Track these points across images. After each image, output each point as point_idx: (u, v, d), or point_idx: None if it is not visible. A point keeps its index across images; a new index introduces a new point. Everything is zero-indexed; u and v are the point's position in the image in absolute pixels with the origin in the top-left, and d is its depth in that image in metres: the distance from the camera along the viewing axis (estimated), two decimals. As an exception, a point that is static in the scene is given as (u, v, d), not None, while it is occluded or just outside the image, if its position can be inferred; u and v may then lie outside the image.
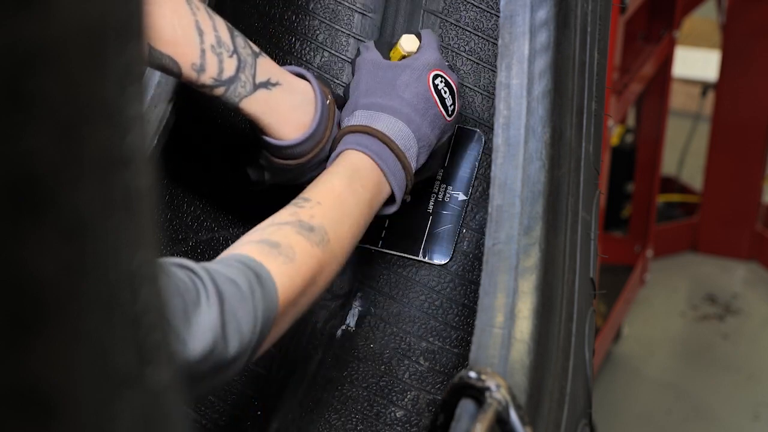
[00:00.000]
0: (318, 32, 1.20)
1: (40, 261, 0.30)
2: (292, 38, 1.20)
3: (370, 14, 1.19)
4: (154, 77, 1.08)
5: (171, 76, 0.97)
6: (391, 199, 0.97)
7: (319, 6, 1.20)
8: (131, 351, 0.34)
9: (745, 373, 2.48)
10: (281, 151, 1.01)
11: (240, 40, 0.97)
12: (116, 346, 0.33)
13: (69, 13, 0.30)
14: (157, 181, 0.35)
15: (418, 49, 1.03)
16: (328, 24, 1.19)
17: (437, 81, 1.00)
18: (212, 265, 0.75)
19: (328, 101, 1.02)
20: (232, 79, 0.96)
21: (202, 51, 0.94)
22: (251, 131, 1.02)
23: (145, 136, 0.34)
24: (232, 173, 1.18)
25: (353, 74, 1.04)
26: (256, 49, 0.98)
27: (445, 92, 1.00)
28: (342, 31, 1.19)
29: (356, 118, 0.98)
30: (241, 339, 0.73)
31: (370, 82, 1.00)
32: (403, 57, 1.04)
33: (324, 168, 1.05)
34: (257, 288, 0.76)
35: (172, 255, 1.12)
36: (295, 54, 1.20)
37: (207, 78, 0.95)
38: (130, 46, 0.33)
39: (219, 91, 0.96)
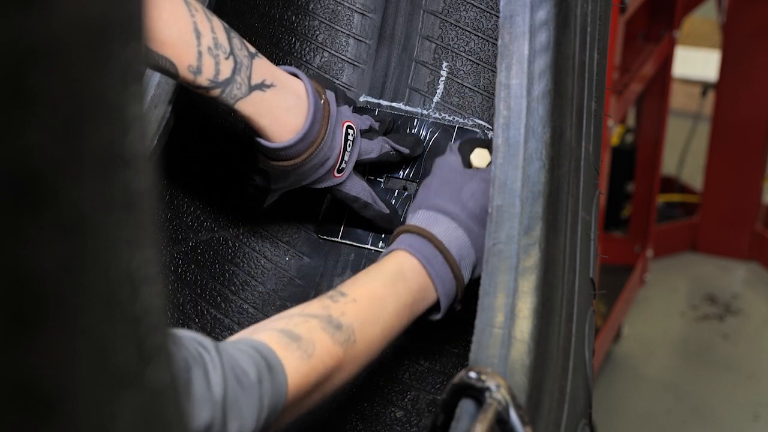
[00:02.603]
0: (318, 32, 1.20)
1: (40, 257, 0.30)
2: (292, 38, 1.20)
3: (370, 14, 1.19)
4: (154, 78, 1.08)
5: (167, 77, 0.97)
6: (436, 306, 0.95)
7: (319, 6, 1.20)
8: (131, 350, 0.34)
9: (745, 373, 2.48)
10: (276, 153, 1.01)
11: (237, 41, 0.97)
12: (116, 344, 0.33)
13: (70, 11, 0.30)
14: (157, 181, 0.35)
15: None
16: (328, 24, 1.19)
17: None
18: (226, 346, 0.73)
19: (322, 101, 1.02)
20: (228, 81, 0.96)
21: (199, 53, 0.94)
22: (248, 138, 1.03)
23: (146, 136, 0.34)
24: (232, 174, 1.18)
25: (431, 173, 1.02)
26: (252, 50, 0.98)
27: None
28: (342, 31, 1.19)
29: (417, 217, 0.96)
30: (241, 425, 0.71)
31: (440, 185, 0.98)
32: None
33: (328, 170, 1.05)
34: (266, 377, 0.74)
35: (172, 255, 1.12)
36: (295, 54, 1.20)
37: (203, 80, 0.95)
38: (131, 46, 0.33)
39: (215, 92, 0.96)
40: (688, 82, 3.58)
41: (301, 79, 1.02)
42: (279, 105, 0.99)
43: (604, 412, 2.29)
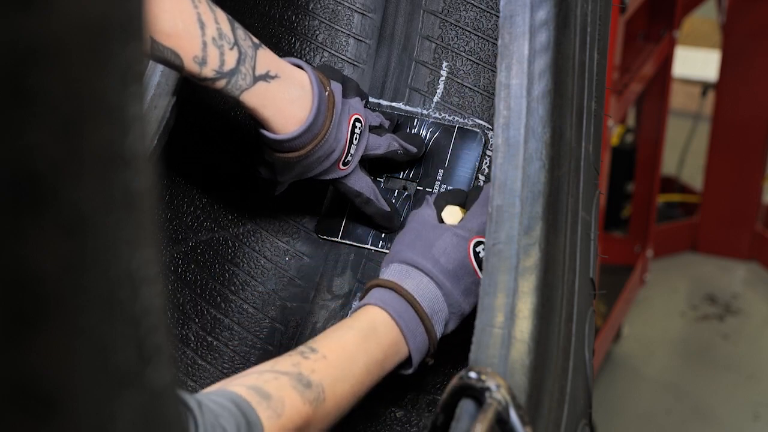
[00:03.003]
0: (318, 32, 1.20)
1: (40, 257, 0.30)
2: (292, 38, 1.20)
3: (369, 14, 1.19)
4: (155, 78, 1.08)
5: (173, 70, 0.97)
6: (408, 361, 0.94)
7: (319, 6, 1.20)
8: (131, 350, 0.34)
9: (745, 373, 2.48)
10: (280, 145, 1.00)
11: (240, 32, 0.97)
12: (116, 344, 0.33)
13: (70, 11, 0.30)
14: (157, 181, 0.35)
15: (467, 214, 1.01)
16: (328, 24, 1.19)
17: (479, 248, 0.97)
18: (208, 402, 0.72)
19: (326, 92, 1.01)
20: (233, 72, 0.96)
21: (204, 43, 0.94)
22: (254, 129, 1.02)
23: (146, 136, 0.34)
24: (233, 173, 1.18)
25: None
26: (256, 41, 0.98)
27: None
28: (342, 31, 1.19)
29: (389, 271, 0.96)
30: None
31: (413, 238, 0.98)
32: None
33: (333, 162, 1.05)
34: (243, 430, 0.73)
35: (172, 255, 1.12)
36: (295, 54, 1.20)
37: (209, 71, 0.95)
38: (131, 47, 0.33)
39: (220, 83, 0.96)
40: (688, 82, 3.58)
41: (305, 71, 1.02)
42: (283, 96, 0.99)
43: (604, 412, 2.29)
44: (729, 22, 2.72)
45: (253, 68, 0.97)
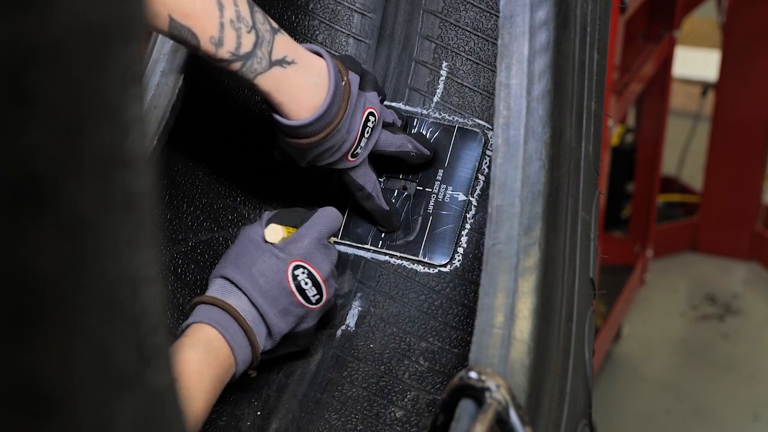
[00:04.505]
0: (318, 32, 1.20)
1: (40, 257, 0.30)
2: (291, 38, 1.20)
3: (369, 14, 1.19)
4: (154, 78, 1.08)
5: (188, 49, 0.96)
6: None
7: (318, 6, 1.20)
8: (131, 350, 0.34)
9: (745, 373, 2.48)
10: (292, 130, 1.00)
11: (259, 15, 0.97)
12: (116, 345, 0.33)
13: (69, 11, 0.30)
14: (157, 181, 0.35)
15: (291, 236, 1.02)
16: (327, 24, 1.19)
17: (297, 272, 0.99)
18: None
19: (343, 82, 1.01)
20: (249, 55, 0.96)
21: (221, 25, 0.94)
22: (267, 114, 1.02)
23: (146, 137, 0.34)
24: (233, 173, 1.18)
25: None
26: (275, 25, 0.98)
27: (306, 283, 0.99)
28: (342, 31, 1.19)
29: (214, 286, 0.99)
30: None
31: (237, 255, 1.00)
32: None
33: (343, 154, 1.05)
34: None
35: (172, 255, 1.12)
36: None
37: (224, 52, 0.95)
38: (130, 48, 0.33)
39: (235, 66, 0.96)
40: (688, 82, 3.58)
41: (324, 58, 1.02)
42: (299, 83, 0.99)
43: (604, 412, 2.29)
44: (729, 22, 2.72)
45: (270, 53, 0.97)
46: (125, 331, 0.34)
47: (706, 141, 2.86)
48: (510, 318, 0.84)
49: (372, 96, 1.06)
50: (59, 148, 0.30)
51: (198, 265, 1.15)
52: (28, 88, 0.29)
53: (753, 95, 2.73)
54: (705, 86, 2.98)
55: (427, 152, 1.12)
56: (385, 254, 1.13)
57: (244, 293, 0.98)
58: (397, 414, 1.06)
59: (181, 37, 0.94)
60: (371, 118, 1.05)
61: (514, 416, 0.76)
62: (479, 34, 1.14)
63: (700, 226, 2.92)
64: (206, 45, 0.94)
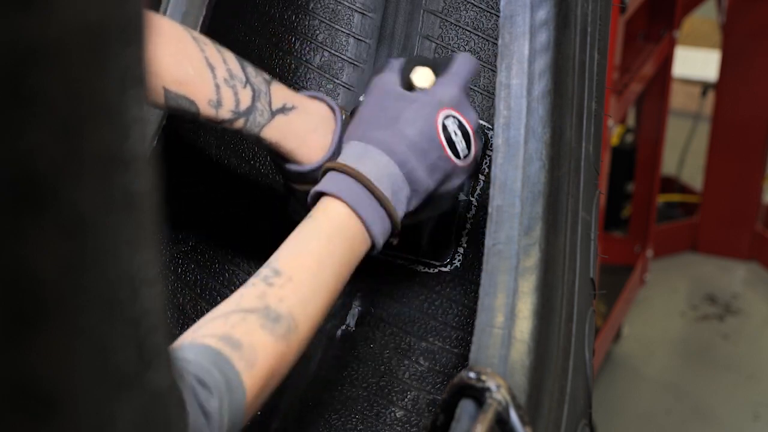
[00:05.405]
0: (318, 32, 1.19)
1: (40, 257, 0.30)
2: (292, 38, 1.20)
3: (369, 14, 1.19)
4: (154, 77, 1.08)
5: (188, 117, 0.94)
6: (373, 246, 0.91)
7: (318, 6, 1.20)
8: (132, 350, 0.34)
9: (745, 373, 2.48)
10: (308, 176, 0.97)
11: (251, 69, 0.95)
12: (116, 345, 0.33)
13: (69, 12, 0.30)
14: (157, 181, 0.35)
15: (436, 82, 0.95)
16: (327, 24, 1.19)
17: (447, 122, 0.92)
18: (186, 358, 0.71)
19: (344, 117, 0.99)
20: (250, 110, 0.94)
21: (216, 86, 0.92)
22: (277, 169, 1.00)
23: (146, 138, 0.34)
24: (234, 173, 1.18)
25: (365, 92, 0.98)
26: (267, 76, 0.97)
27: (456, 134, 0.92)
28: (342, 31, 1.19)
29: (349, 149, 0.92)
30: None
31: (375, 110, 0.93)
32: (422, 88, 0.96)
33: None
34: (225, 397, 0.71)
35: (172, 255, 1.12)
36: (295, 54, 1.20)
37: (225, 112, 0.93)
38: (130, 50, 0.33)
39: (239, 123, 0.94)
40: (688, 82, 3.58)
41: (321, 99, 0.99)
42: (304, 126, 0.97)
43: (604, 412, 2.29)
44: (729, 22, 2.72)
45: (270, 103, 0.95)
46: (125, 331, 0.34)
47: (706, 141, 2.86)
48: (510, 318, 0.84)
49: None
50: (59, 149, 0.30)
51: (198, 265, 1.15)
52: (29, 88, 0.29)
53: (753, 95, 2.73)
54: (705, 86, 2.98)
55: None
56: (385, 254, 1.13)
57: (386, 152, 0.90)
58: (397, 414, 1.06)
59: (179, 106, 0.92)
60: None
61: (514, 416, 0.76)
62: (479, 33, 1.14)
63: (700, 226, 2.92)
64: (205, 109, 0.93)
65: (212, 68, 0.93)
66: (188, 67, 0.91)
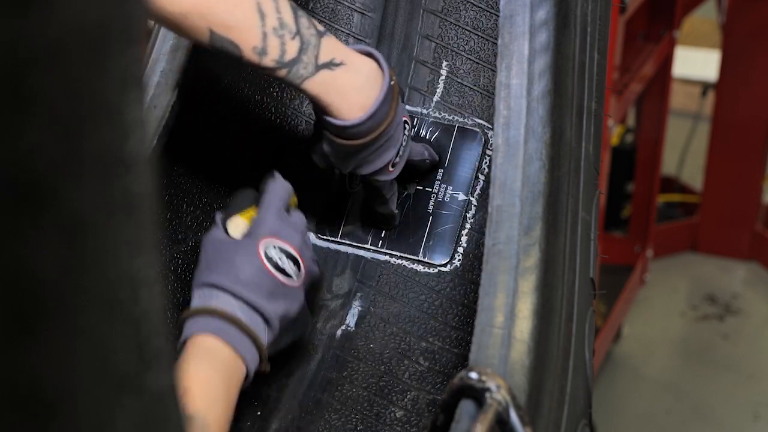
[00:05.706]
0: (318, 32, 1.19)
1: (40, 258, 0.30)
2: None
3: (369, 14, 1.19)
4: (154, 77, 1.08)
5: (231, 58, 0.95)
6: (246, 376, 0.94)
7: (318, 6, 1.20)
8: (132, 351, 0.34)
9: (745, 373, 2.48)
10: (342, 131, 0.98)
11: (304, 20, 0.95)
12: (117, 346, 0.33)
13: (69, 13, 0.30)
14: (157, 182, 0.35)
15: (255, 216, 1.00)
16: (327, 24, 1.19)
17: (270, 252, 0.96)
18: None
19: (392, 82, 0.99)
20: (294, 61, 0.94)
21: (264, 34, 0.93)
22: (315, 115, 1.00)
23: (146, 140, 0.34)
24: (234, 173, 1.18)
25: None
26: (321, 28, 0.97)
27: (281, 259, 0.97)
28: (342, 31, 1.19)
29: (198, 297, 0.95)
30: None
31: (210, 259, 0.97)
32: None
33: (386, 162, 1.03)
34: None
35: (172, 255, 1.12)
36: (295, 54, 1.20)
37: (269, 60, 0.94)
38: (130, 51, 0.33)
39: (281, 72, 0.95)
40: (688, 82, 3.59)
41: (374, 58, 1.00)
42: (348, 83, 0.97)
43: (604, 412, 2.29)
44: (729, 22, 2.72)
45: (317, 57, 0.95)
46: (125, 331, 0.34)
47: (706, 141, 2.86)
48: (510, 318, 0.84)
49: (402, 106, 1.04)
50: (59, 149, 0.30)
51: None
52: (28, 89, 0.29)
53: (753, 95, 2.73)
54: (705, 86, 2.98)
55: (437, 158, 1.12)
56: (385, 254, 1.13)
57: (227, 291, 0.94)
58: (397, 414, 1.06)
59: (223, 48, 0.92)
60: (407, 127, 1.04)
61: (514, 417, 0.76)
62: (479, 33, 1.14)
63: (700, 226, 2.92)
64: (249, 55, 0.93)
65: (263, 16, 0.93)
66: (238, 13, 0.92)
